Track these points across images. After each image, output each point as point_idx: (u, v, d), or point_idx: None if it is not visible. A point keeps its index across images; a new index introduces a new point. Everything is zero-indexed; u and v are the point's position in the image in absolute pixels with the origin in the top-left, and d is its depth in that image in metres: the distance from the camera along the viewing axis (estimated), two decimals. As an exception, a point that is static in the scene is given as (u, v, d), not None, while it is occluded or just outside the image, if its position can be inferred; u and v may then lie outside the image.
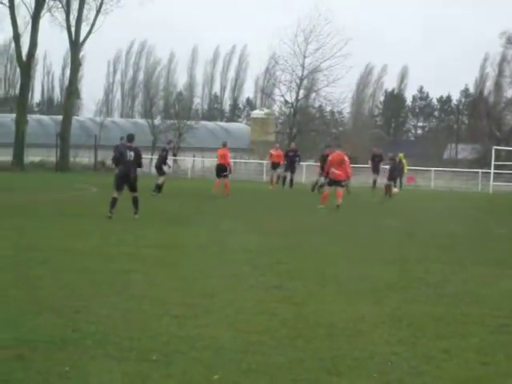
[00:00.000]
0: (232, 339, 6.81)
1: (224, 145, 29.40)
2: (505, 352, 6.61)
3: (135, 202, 18.11)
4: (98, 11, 51.85)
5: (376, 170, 38.92)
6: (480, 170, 45.30)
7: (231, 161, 31.43)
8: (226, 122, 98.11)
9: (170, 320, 7.46)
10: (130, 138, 18.74)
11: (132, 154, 18.20)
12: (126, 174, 18.16)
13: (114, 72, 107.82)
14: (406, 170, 42.49)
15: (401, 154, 42.68)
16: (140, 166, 18.67)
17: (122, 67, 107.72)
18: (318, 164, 32.50)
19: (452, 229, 18.49)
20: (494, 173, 42.43)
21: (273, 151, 37.84)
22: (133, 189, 18.21)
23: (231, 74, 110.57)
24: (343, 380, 5.75)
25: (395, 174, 32.96)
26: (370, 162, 39.48)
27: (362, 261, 12.27)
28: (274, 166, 37.02)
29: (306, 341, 6.83)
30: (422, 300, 8.95)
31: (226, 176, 28.25)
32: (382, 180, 34.65)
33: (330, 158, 24.02)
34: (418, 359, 6.31)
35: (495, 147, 45.61)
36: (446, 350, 6.61)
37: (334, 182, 23.47)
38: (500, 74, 79.50)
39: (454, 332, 7.31)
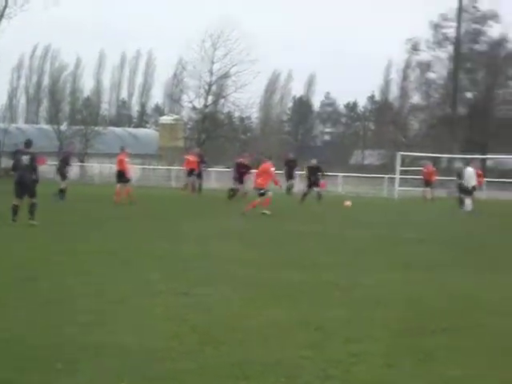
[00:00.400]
0: (140, 346, 6.70)
1: (122, 150, 28.97)
2: (410, 355, 6.70)
3: (32, 207, 17.77)
4: (2, 15, 50.72)
5: (290, 175, 39.22)
6: (386, 176, 46.22)
7: (139, 166, 31.11)
8: (134, 127, 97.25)
9: (76, 327, 7.29)
10: (28, 143, 18.44)
11: (28, 158, 17.88)
12: (21, 179, 17.86)
13: (19, 77, 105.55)
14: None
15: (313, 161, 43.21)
16: (35, 170, 18.18)
17: (26, 72, 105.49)
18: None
19: (362, 233, 18.73)
20: (400, 178, 43.29)
21: (190, 157, 37.76)
22: (31, 194, 17.86)
23: (139, 79, 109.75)
24: (251, 385, 5.71)
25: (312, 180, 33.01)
26: (284, 168, 39.72)
27: (275, 266, 12.29)
28: (190, 172, 36.88)
29: (216, 346, 6.78)
30: (331, 304, 9.00)
31: (124, 182, 27.66)
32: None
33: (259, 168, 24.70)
34: (327, 363, 6.33)
35: (400, 153, 46.51)
36: (354, 353, 6.65)
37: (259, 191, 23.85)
38: (404, 80, 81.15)
39: (362, 336, 7.37)
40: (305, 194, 32.07)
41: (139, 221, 20.42)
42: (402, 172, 44.53)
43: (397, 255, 14.47)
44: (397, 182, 43.03)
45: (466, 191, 29.85)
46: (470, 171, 30.49)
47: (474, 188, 30.01)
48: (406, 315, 8.47)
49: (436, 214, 28.29)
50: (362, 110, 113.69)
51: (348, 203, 29.95)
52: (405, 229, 20.38)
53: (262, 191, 24.01)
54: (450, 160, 57.20)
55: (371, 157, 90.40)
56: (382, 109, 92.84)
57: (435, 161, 56.65)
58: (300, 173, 39.00)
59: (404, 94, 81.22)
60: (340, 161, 78.27)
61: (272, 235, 17.81)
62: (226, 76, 58.47)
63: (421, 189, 41.00)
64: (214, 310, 8.39)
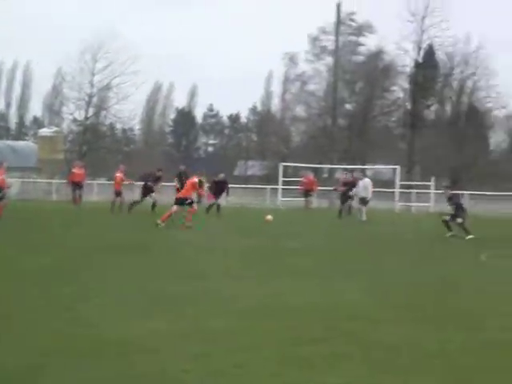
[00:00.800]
0: (17, 361, 6.54)
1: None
2: (297, 363, 6.78)
3: None
4: None
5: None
6: (268, 186, 46.76)
7: (18, 179, 30.22)
8: (12, 140, 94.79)
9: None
10: None
11: None
12: None
13: None
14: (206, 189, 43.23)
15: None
16: None
17: None
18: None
19: (248, 242, 18.85)
20: (282, 188, 43.82)
21: (76, 170, 37.22)
22: None
23: (16, 90, 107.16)
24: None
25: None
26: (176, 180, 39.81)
27: (159, 277, 12.23)
28: (75, 185, 36.44)
29: (96, 359, 6.69)
30: (216, 314, 9.02)
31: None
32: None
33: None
34: (210, 374, 6.34)
35: (283, 163, 47.12)
36: (238, 364, 6.68)
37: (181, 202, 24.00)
38: (285, 92, 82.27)
39: (247, 345, 7.41)
40: (210, 206, 32.81)
41: (21, 234, 19.93)
42: (285, 182, 45.09)
43: (280, 265, 14.63)
44: (279, 192, 43.55)
45: (363, 201, 30.52)
46: (366, 182, 31.22)
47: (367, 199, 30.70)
48: (290, 324, 8.57)
49: (317, 223, 28.77)
50: (245, 121, 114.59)
51: (269, 218, 29.84)
52: (288, 238, 20.64)
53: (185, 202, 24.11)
54: (331, 170, 58.26)
55: (254, 168, 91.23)
56: (264, 120, 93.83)
57: (316, 171, 57.63)
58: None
59: (285, 105, 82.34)
60: (224, 172, 78.33)
61: (161, 246, 17.72)
62: (107, 88, 57.90)
63: (303, 199, 41.60)
64: (94, 324, 8.27)
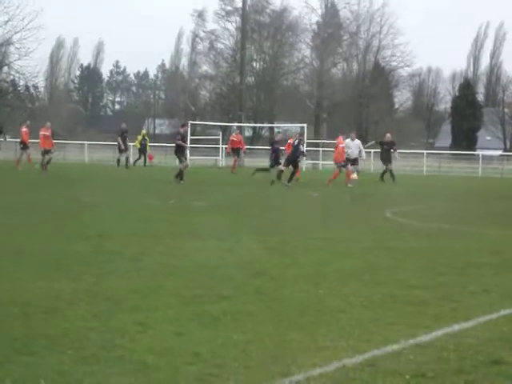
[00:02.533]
0: None
1: None
2: (198, 321, 6.72)
3: None
4: None
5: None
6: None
7: None
8: None
9: None
10: None
11: None
12: None
13: None
14: (148, 148, 43.46)
15: (143, 131, 43.57)
16: None
17: None
18: None
19: (149, 202, 18.69)
20: (191, 147, 43.65)
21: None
22: None
23: None
24: (35, 359, 5.50)
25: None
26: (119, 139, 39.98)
27: (59, 237, 11.98)
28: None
29: (-2, 322, 6.50)
30: (118, 274, 8.87)
31: None
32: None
33: None
34: (113, 333, 6.22)
35: (191, 122, 46.92)
36: (141, 322, 6.58)
37: None
38: (194, 50, 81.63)
39: (149, 304, 7.31)
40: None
41: None
42: (193, 141, 44.90)
43: (184, 223, 14.55)
44: (188, 151, 43.33)
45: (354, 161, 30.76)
46: (352, 142, 31.22)
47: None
48: (195, 283, 8.49)
49: (229, 181, 28.81)
50: (153, 78, 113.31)
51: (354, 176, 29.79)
52: (193, 197, 20.57)
53: None
54: (240, 128, 58.27)
55: (162, 126, 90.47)
56: (172, 78, 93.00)
57: (224, 129, 57.51)
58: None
59: (193, 63, 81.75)
60: (132, 131, 77.54)
61: (58, 206, 17.39)
62: (8, 43, 56.19)
63: (212, 157, 41.62)
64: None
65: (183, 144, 28.45)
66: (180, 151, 28.42)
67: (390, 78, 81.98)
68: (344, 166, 30.00)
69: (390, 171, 32.89)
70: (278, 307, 7.41)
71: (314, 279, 8.88)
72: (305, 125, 48.52)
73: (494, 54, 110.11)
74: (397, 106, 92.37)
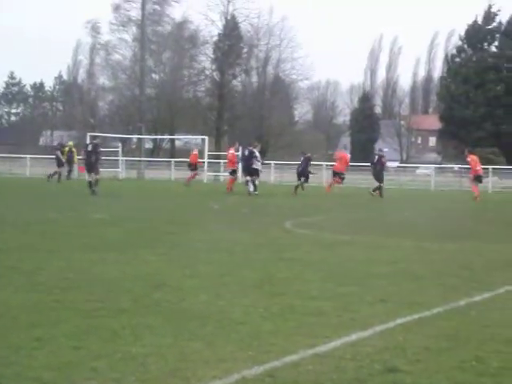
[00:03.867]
0: None
1: None
2: (97, 335, 6.63)
3: None
4: None
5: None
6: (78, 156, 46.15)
7: None
8: None
9: None
10: None
11: None
12: None
13: None
14: (76, 160, 42.91)
15: (70, 143, 42.98)
16: None
17: None
18: None
19: (51, 216, 18.35)
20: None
21: None
22: None
23: None
24: None
25: None
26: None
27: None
28: None
29: None
30: (13, 289, 8.65)
31: None
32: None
33: None
34: (9, 349, 6.07)
35: (90, 133, 46.42)
36: (38, 338, 6.44)
37: None
38: (92, 61, 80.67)
39: (46, 319, 7.16)
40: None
41: None
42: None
43: (84, 236, 14.33)
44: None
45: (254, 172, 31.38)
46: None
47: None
48: (92, 296, 8.36)
49: (137, 194, 28.56)
50: (50, 90, 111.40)
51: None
52: (92, 209, 20.30)
53: None
54: (140, 140, 57.81)
55: (61, 138, 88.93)
56: (69, 89, 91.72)
57: (124, 141, 56.99)
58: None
59: (91, 75, 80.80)
60: (29, 142, 76.17)
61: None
62: None
63: (112, 169, 41.26)
64: None
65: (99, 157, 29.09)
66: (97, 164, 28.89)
67: (290, 91, 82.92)
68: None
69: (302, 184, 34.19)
70: (178, 319, 7.37)
71: (214, 290, 8.87)
72: (206, 137, 48.54)
73: (390, 68, 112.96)
74: (297, 118, 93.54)
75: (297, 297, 8.63)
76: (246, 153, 31.47)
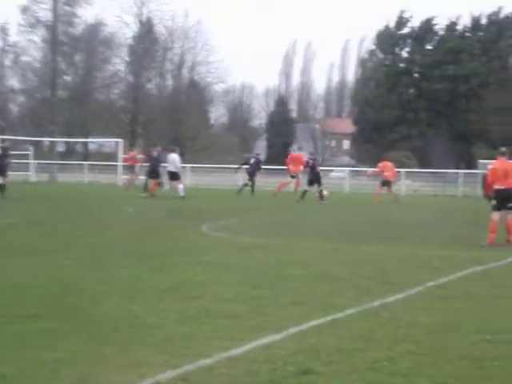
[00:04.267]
0: None
1: None
2: (5, 341, 6.51)
3: None
4: None
5: None
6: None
7: None
8: None
9: None
10: None
11: None
12: None
13: None
14: None
15: None
16: None
17: None
18: None
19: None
20: None
21: None
22: None
23: None
24: None
25: None
26: None
27: None
28: None
29: None
30: None
31: None
32: None
33: None
34: None
35: (0, 136, 45.40)
36: None
37: None
38: (1, 63, 79.02)
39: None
40: None
41: None
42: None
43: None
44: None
45: (174, 176, 31.43)
46: (173, 157, 31.78)
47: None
48: (3, 302, 8.19)
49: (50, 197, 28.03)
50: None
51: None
52: (1, 214, 19.89)
53: None
54: (52, 143, 56.88)
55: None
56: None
57: (36, 144, 55.98)
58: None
59: (0, 77, 79.17)
60: None
61: None
62: None
63: (23, 173, 40.42)
64: None
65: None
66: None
67: (205, 94, 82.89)
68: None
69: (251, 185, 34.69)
70: (91, 324, 7.27)
71: (128, 294, 8.78)
72: (120, 140, 48.06)
73: (304, 72, 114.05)
74: (213, 121, 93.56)
75: (212, 300, 8.61)
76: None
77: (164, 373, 5.66)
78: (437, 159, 71.31)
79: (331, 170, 66.25)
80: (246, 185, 34.42)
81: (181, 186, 31.01)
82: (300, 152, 38.83)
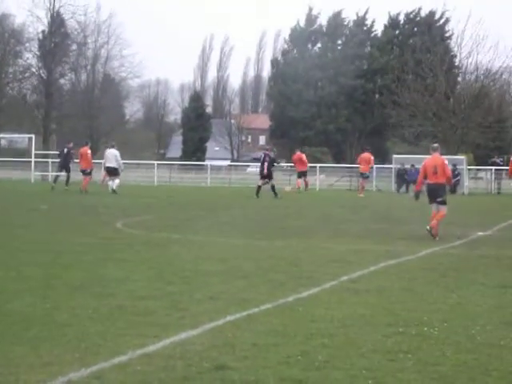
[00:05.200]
0: None
1: None
2: None
3: None
4: None
5: None
6: None
7: None
8: None
9: None
10: None
11: None
12: None
13: None
14: None
15: None
16: None
17: None
18: None
19: None
20: None
21: None
22: None
23: None
24: None
25: None
26: None
27: None
28: None
29: None
30: None
31: None
32: None
33: None
34: None
35: None
36: None
37: None
38: None
39: None
40: None
41: None
42: None
43: None
44: None
45: (113, 171, 31.54)
46: (113, 152, 31.88)
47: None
48: None
49: None
50: None
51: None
52: None
53: None
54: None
55: None
56: None
57: None
58: None
59: None
60: None
61: None
62: None
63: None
64: None
65: None
66: None
67: (120, 89, 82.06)
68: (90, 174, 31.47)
69: None
70: (1, 322, 7.11)
71: (40, 292, 8.63)
72: (32, 135, 47.18)
73: (220, 67, 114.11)
74: (128, 116, 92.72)
75: (126, 297, 8.53)
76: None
77: (77, 371, 5.58)
78: (352, 154, 72.35)
79: (247, 166, 66.53)
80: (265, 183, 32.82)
81: (117, 181, 31.08)
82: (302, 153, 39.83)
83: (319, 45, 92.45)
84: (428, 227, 15.76)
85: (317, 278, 10.23)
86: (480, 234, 16.70)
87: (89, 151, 32.42)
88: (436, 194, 16.27)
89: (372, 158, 37.03)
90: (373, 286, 9.60)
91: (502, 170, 40.43)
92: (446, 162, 16.85)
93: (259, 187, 30.97)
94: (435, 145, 17.20)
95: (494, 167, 42.57)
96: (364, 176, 36.85)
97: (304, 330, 7.11)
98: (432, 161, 16.53)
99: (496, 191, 41.54)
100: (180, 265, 11.27)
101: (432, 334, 7.03)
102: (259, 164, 31.94)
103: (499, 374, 5.81)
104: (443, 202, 16.27)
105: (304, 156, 38.81)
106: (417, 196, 17.16)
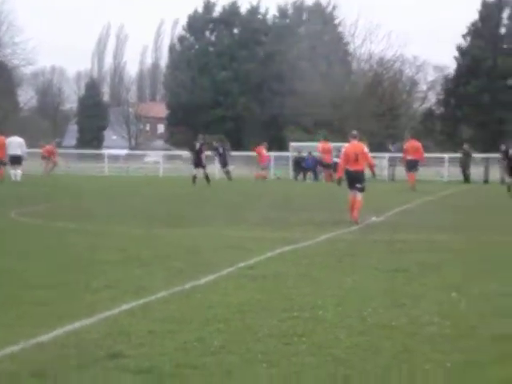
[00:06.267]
0: None
1: None
2: None
3: None
4: None
5: None
6: None
7: None
8: None
9: None
10: None
11: None
12: None
13: None
14: None
15: None
16: None
17: None
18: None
19: None
20: None
21: None
22: None
23: None
24: None
25: None
26: None
27: None
28: None
29: None
30: None
31: None
32: None
33: None
34: None
35: None
36: None
37: None
38: None
39: None
40: None
41: None
42: None
43: None
44: None
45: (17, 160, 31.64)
46: (18, 140, 32.58)
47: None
48: None
49: None
50: None
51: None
52: None
53: None
54: None
55: None
56: None
57: None
58: None
59: None
60: None
61: None
62: None
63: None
64: None
65: None
66: None
67: (12, 77, 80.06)
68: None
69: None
70: None
71: None
72: None
73: (117, 55, 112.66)
74: (21, 104, 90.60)
75: (19, 287, 8.38)
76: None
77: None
78: (250, 142, 72.55)
79: (145, 155, 66.00)
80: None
81: (19, 172, 30.62)
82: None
83: (216, 33, 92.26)
84: (350, 220, 16.16)
85: (214, 264, 10.26)
86: (374, 219, 17.06)
87: None
88: (356, 180, 16.69)
89: None
90: (269, 272, 9.69)
91: (396, 157, 41.32)
92: (367, 149, 17.21)
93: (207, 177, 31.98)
94: (354, 132, 17.52)
95: (387, 154, 43.50)
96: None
97: (200, 316, 7.13)
98: (352, 148, 16.91)
99: (390, 178, 42.46)
100: (76, 254, 11.13)
101: (326, 318, 7.16)
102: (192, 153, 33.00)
103: (390, 354, 5.96)
104: (362, 189, 16.71)
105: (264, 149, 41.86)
106: (339, 182, 17.54)
